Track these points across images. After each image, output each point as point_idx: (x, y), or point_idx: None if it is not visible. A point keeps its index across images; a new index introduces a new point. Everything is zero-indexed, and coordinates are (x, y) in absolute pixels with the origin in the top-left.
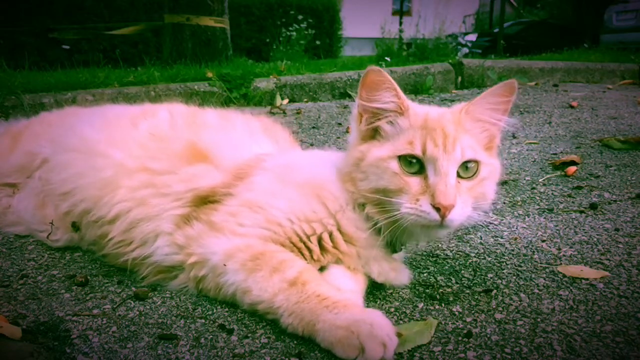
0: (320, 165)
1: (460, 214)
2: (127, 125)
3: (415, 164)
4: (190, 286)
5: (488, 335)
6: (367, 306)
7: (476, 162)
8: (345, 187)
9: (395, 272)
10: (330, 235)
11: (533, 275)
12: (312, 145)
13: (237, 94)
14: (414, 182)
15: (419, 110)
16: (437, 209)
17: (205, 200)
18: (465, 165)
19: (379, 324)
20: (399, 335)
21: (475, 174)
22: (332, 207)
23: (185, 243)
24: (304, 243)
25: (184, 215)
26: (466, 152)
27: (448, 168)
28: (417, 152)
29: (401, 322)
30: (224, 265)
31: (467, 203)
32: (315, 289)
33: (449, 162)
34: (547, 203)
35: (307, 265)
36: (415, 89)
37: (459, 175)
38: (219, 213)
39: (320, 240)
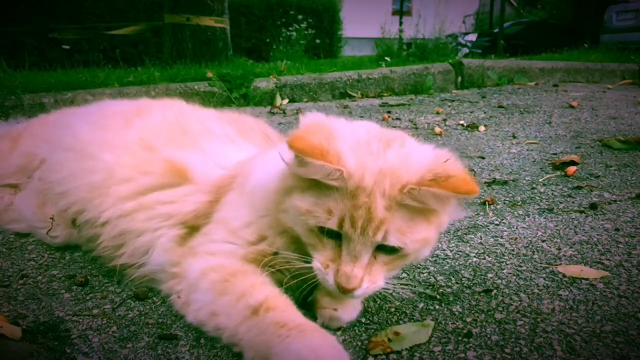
0: (265, 172)
1: (363, 291)
2: (121, 124)
3: (331, 232)
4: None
5: (488, 335)
6: (366, 306)
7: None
8: (273, 201)
9: (341, 307)
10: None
11: (533, 275)
12: None
13: (237, 94)
14: (329, 245)
15: (356, 171)
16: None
17: (188, 225)
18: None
19: (323, 357)
20: (396, 334)
21: (397, 251)
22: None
23: (169, 266)
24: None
25: (174, 238)
26: (389, 239)
27: (361, 251)
28: (332, 226)
29: (401, 321)
30: (197, 283)
31: (377, 278)
32: (277, 315)
33: (364, 245)
34: (547, 203)
35: (277, 292)
36: (415, 89)
37: (378, 249)
38: (197, 236)
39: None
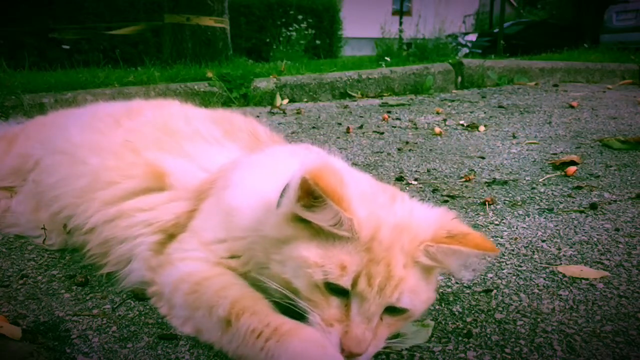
0: (247, 195)
1: (367, 357)
2: (111, 126)
3: (340, 289)
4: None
5: (488, 335)
6: None
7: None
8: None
9: None
10: None
11: (533, 275)
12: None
13: (237, 94)
14: (334, 304)
15: (368, 222)
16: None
17: (168, 233)
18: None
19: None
20: (396, 334)
21: (403, 313)
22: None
23: (150, 278)
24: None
25: (152, 245)
26: (403, 299)
27: (375, 312)
28: (345, 284)
29: None
30: (172, 299)
31: (381, 340)
32: (249, 321)
33: (378, 306)
34: (547, 203)
35: (244, 290)
36: (415, 89)
37: (385, 310)
38: (174, 242)
39: None
